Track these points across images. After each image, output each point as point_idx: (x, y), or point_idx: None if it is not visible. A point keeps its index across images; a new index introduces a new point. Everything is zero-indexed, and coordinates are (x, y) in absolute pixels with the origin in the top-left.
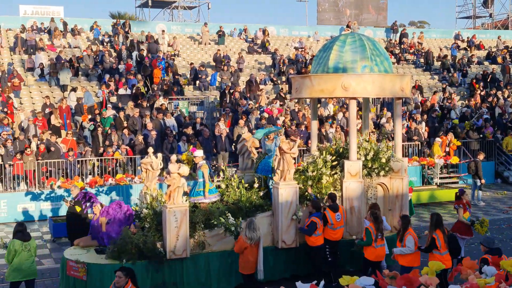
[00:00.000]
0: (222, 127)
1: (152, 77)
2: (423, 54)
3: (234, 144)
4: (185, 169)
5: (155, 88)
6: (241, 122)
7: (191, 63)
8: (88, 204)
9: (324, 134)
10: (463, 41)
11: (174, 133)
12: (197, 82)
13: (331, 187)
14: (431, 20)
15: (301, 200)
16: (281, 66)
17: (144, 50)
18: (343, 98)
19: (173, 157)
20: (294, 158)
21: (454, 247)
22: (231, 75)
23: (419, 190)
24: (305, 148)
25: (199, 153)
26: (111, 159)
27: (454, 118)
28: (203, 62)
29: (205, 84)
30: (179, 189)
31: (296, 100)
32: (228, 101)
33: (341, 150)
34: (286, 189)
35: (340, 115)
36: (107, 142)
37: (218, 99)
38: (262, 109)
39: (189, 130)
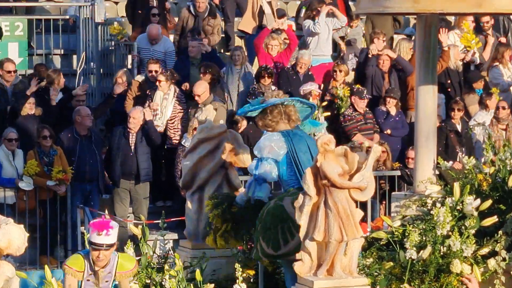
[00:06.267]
0: (159, 96)
1: None
2: None
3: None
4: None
5: None
6: (201, 85)
7: None
8: None
9: (459, 128)
10: None
11: None
12: None
13: None
14: None
15: None
16: None
17: None
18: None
19: None
20: (357, 203)
21: None
22: None
23: None
24: (397, 170)
25: None
26: None
27: None
28: None
29: None
30: None
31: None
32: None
33: (510, 180)
34: None
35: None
36: None
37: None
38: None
39: (33, 111)
